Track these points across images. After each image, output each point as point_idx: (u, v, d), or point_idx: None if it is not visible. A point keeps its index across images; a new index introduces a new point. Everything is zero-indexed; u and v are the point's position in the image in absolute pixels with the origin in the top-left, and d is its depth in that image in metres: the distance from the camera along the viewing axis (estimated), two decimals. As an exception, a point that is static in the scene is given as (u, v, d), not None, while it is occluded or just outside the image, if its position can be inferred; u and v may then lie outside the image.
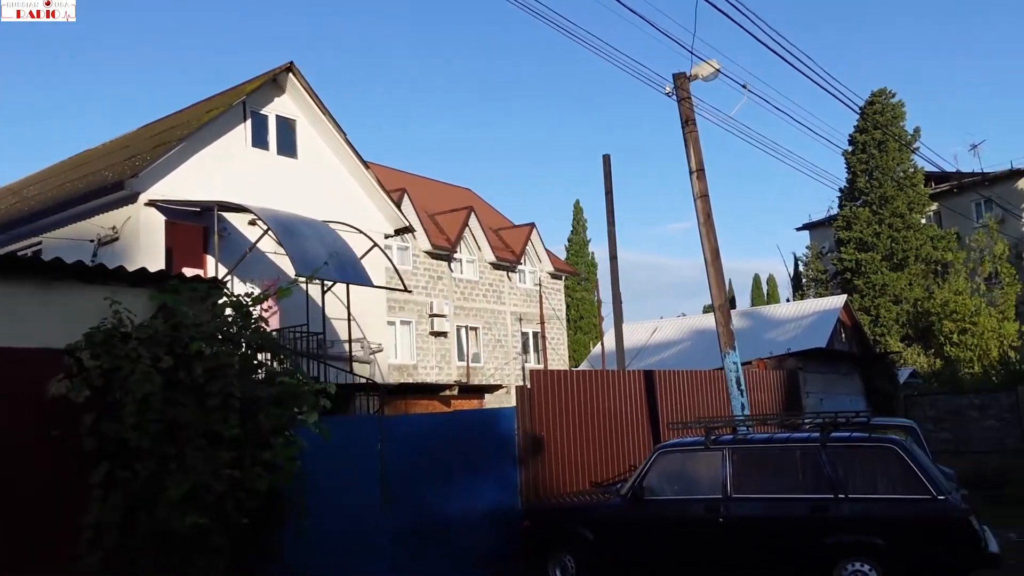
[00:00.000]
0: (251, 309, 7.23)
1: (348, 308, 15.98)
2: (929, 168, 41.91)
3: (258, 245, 15.72)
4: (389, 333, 28.12)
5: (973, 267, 40.10)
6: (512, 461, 10.23)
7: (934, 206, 44.07)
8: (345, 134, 18.88)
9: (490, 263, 31.92)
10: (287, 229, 13.28)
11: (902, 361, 37.76)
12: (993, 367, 27.05)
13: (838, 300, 33.33)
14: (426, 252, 29.33)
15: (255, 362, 7.27)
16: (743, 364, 16.56)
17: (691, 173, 10.69)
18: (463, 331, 30.88)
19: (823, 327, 29.61)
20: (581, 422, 11.01)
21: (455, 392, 15.85)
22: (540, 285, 32.64)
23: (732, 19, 10.49)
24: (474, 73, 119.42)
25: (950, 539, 7.38)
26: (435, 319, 29.03)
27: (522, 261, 33.56)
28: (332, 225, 16.51)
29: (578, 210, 49.09)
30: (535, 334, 33.42)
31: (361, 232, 16.65)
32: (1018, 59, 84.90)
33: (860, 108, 44.70)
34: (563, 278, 35.98)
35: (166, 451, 6.33)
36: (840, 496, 7.64)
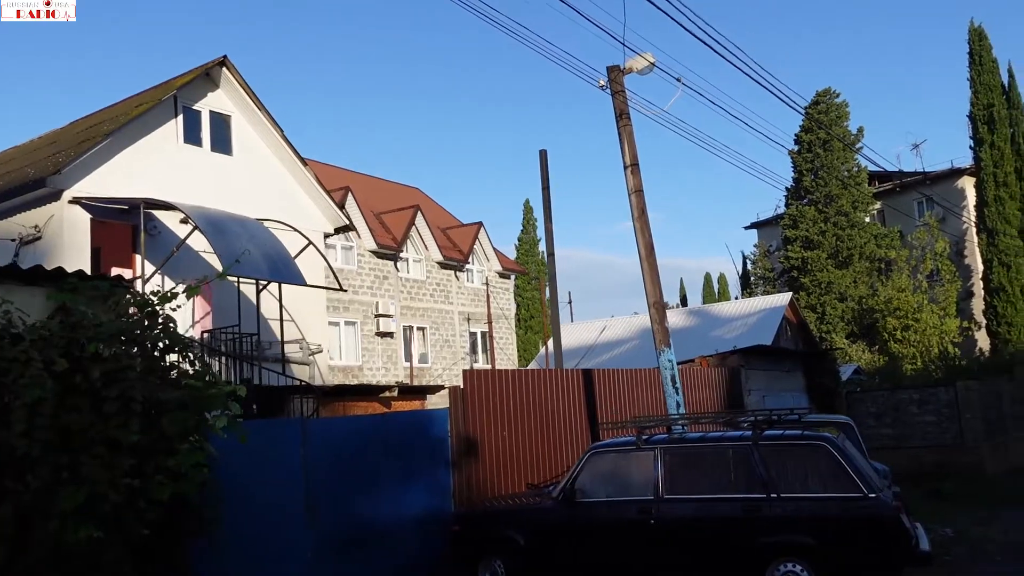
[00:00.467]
0: (157, 308, 6.83)
1: (281, 307, 15.56)
2: (873, 168, 42.64)
3: (191, 244, 15.22)
4: (333, 334, 27.64)
5: (915, 265, 40.82)
6: (445, 464, 9.95)
7: (878, 205, 44.81)
8: (282, 130, 18.42)
9: (437, 262, 31.58)
10: (216, 227, 12.84)
11: (847, 358, 38.30)
12: (933, 362, 27.49)
13: (783, 298, 33.65)
14: (371, 251, 28.89)
15: (163, 364, 6.89)
16: (687, 362, 16.55)
17: (625, 168, 10.51)
18: (410, 331, 30.49)
19: (769, 325, 29.83)
20: (518, 423, 10.78)
21: (395, 394, 15.51)
22: (487, 284, 32.38)
23: (669, 16, 10.34)
24: (425, 73, 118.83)
25: (880, 537, 7.29)
26: (381, 319, 28.61)
27: (470, 260, 33.27)
28: (268, 223, 16.07)
29: (528, 209, 48.97)
30: (483, 334, 33.15)
31: (295, 230, 16.23)
32: (957, 61, 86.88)
33: (805, 108, 45.18)
34: (512, 277, 35.75)
35: (59, 460, 5.94)
36: (772, 496, 7.51)
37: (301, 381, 13.93)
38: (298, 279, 14.43)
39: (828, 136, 43.36)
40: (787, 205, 45.17)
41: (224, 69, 17.45)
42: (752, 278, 49.00)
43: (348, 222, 19.95)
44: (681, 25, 10.02)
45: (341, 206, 28.00)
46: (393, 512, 9.40)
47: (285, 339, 18.30)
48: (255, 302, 17.48)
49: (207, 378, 6.77)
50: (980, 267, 40.06)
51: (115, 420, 6.12)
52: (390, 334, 29.13)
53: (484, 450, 10.26)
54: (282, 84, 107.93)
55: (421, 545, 9.48)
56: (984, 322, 39.22)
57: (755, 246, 49.06)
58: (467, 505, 9.57)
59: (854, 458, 7.57)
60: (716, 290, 70.78)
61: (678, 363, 16.44)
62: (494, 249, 34.53)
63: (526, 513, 8.90)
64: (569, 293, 48.22)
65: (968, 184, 43.00)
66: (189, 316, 15.23)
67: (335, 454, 8.86)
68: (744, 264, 51.04)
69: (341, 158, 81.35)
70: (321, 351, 19.11)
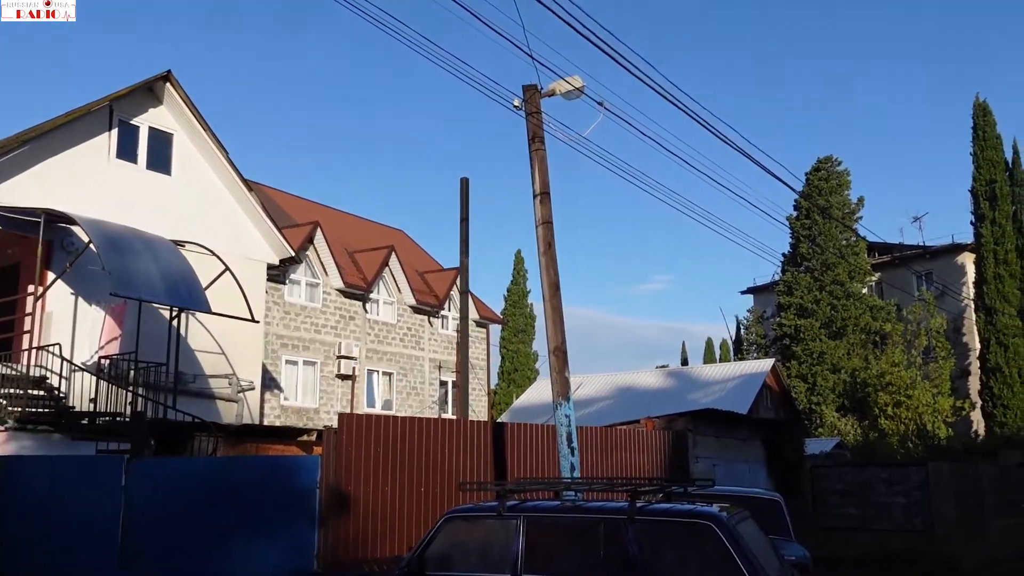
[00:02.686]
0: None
1: (177, 335, 14.36)
2: (873, 238, 41.66)
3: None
4: (290, 373, 26.55)
5: (910, 340, 39.51)
6: (310, 519, 8.74)
7: (875, 276, 43.67)
8: (227, 152, 17.58)
9: (410, 306, 30.54)
10: (112, 243, 11.87)
11: (836, 431, 36.79)
12: (911, 440, 26.05)
13: (765, 364, 32.37)
14: (338, 290, 27.89)
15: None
16: (632, 422, 15.32)
17: (535, 196, 9.49)
18: (375, 375, 29.33)
19: (748, 390, 28.53)
20: (406, 476, 9.58)
21: (314, 437, 14.29)
22: (459, 332, 31.19)
23: (659, 91, 9.49)
24: (435, 130, 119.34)
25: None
26: (343, 361, 27.47)
27: (446, 306, 32.22)
28: (192, 247, 15.07)
29: (519, 260, 48.09)
30: (454, 383, 31.89)
31: (213, 254, 15.19)
32: (961, 136, 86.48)
33: (806, 174, 44.62)
34: (489, 327, 34.61)
35: None
36: (643, 583, 6.30)
37: (195, 417, 12.75)
38: (201, 306, 13.38)
39: (827, 203, 42.51)
40: (783, 271, 44.15)
41: (167, 84, 16.70)
42: (745, 344, 47.69)
43: (294, 253, 18.98)
44: (676, 103, 9.24)
45: (309, 240, 27.40)
46: (239, 570, 8.18)
47: (214, 373, 17.24)
48: (183, 331, 16.45)
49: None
50: (978, 345, 38.72)
51: None
52: (352, 377, 27.97)
53: (360, 505, 9.04)
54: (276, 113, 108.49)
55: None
56: (979, 402, 37.75)
57: (749, 311, 47.88)
58: (309, 571, 8.31)
59: (745, 543, 6.34)
60: (717, 355, 69.23)
61: (626, 423, 15.29)
62: (472, 296, 33.45)
63: (372, 585, 7.66)
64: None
65: (968, 260, 41.90)
66: (97, 339, 14.20)
67: (169, 499, 7.70)
68: (738, 329, 49.81)
69: (351, 203, 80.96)
70: (253, 388, 17.99)
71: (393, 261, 29.87)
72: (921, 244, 45.17)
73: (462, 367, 14.09)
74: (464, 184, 13.85)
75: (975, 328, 38.82)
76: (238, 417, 17.22)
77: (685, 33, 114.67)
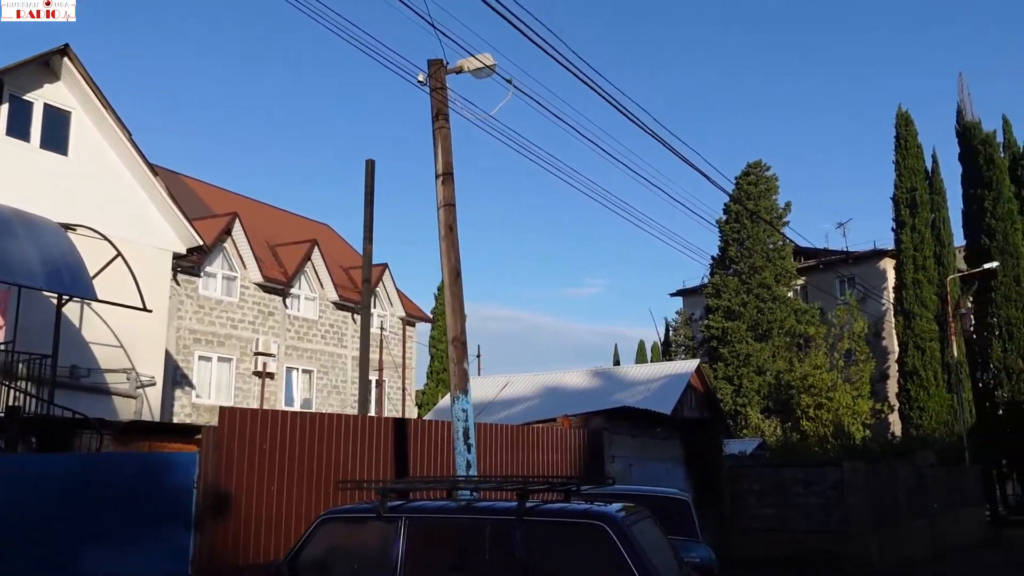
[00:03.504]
0: None
1: (58, 324, 13.34)
2: (804, 243, 42.28)
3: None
4: (204, 370, 25.50)
5: (833, 343, 40.19)
6: (185, 521, 8.07)
7: (801, 280, 44.33)
8: (130, 133, 16.64)
9: (333, 302, 29.70)
10: (-14, 223, 10.92)
11: (760, 432, 37.13)
12: (829, 441, 26.31)
13: (690, 365, 32.45)
14: (257, 284, 26.92)
15: None
16: (549, 421, 14.92)
17: (437, 177, 9.00)
18: (295, 373, 28.44)
19: (672, 391, 28.49)
20: (295, 476, 8.97)
21: (214, 435, 13.48)
22: (383, 329, 30.54)
23: (595, 88, 9.08)
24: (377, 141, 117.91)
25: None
26: (261, 358, 26.51)
27: (371, 303, 31.44)
28: (82, 231, 14.14)
29: (450, 258, 47.34)
30: (378, 381, 31.15)
31: (105, 239, 14.29)
32: (886, 145, 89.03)
33: (735, 178, 45.05)
34: (416, 324, 33.96)
35: None
36: (532, 587, 5.86)
37: (76, 413, 11.88)
38: (85, 292, 12.52)
39: (755, 208, 42.95)
40: (712, 274, 44.45)
41: (66, 59, 15.71)
42: (673, 346, 47.94)
43: (203, 243, 18.07)
44: (611, 102, 8.86)
45: (227, 232, 26.37)
46: (102, 577, 7.48)
47: (111, 367, 16.29)
48: (76, 322, 15.49)
49: None
50: (896, 349, 39.54)
51: None
52: (270, 374, 27.03)
53: (242, 506, 8.41)
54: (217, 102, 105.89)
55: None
56: (897, 405, 38.55)
57: (677, 313, 48.15)
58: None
59: (639, 544, 5.94)
60: (649, 358, 69.63)
61: (542, 422, 14.88)
62: (399, 293, 32.80)
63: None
64: (479, 347, 46.56)
65: (889, 265, 42.81)
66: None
67: (31, 500, 6.98)
68: (667, 331, 50.02)
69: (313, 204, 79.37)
70: (154, 383, 17.06)
71: (316, 255, 29.02)
72: (845, 250, 46.04)
73: (361, 361, 13.49)
74: (369, 166, 13.26)
75: (894, 332, 39.63)
76: (137, 414, 16.30)
77: (616, 41, 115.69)
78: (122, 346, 16.34)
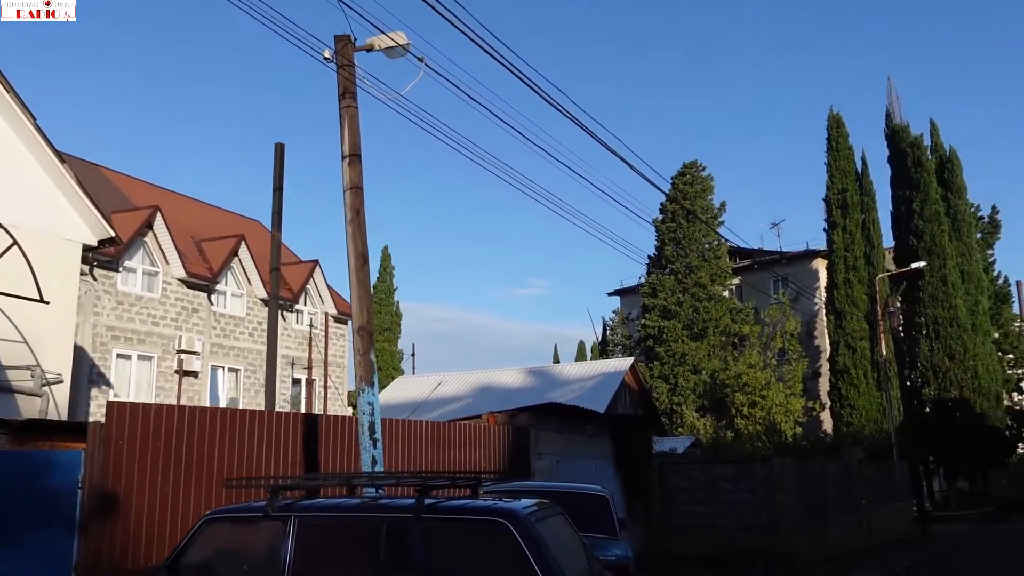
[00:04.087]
0: None
1: None
2: (741, 243, 42.67)
3: None
4: (123, 368, 24.50)
5: (766, 342, 40.64)
6: (68, 524, 7.48)
7: (736, 280, 44.76)
8: (34, 118, 15.73)
9: (261, 299, 28.84)
10: None
11: (696, 431, 37.29)
12: (760, 438, 26.49)
13: (624, 363, 32.42)
14: (180, 280, 25.99)
15: None
16: (475, 417, 14.54)
17: (343, 158, 8.55)
18: (220, 372, 27.52)
19: (607, 389, 28.37)
20: (195, 474, 8.43)
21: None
22: (311, 327, 29.81)
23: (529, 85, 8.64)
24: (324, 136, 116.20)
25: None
26: (184, 356, 25.57)
27: (301, 300, 30.71)
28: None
29: (386, 257, 46.84)
30: (308, 380, 30.39)
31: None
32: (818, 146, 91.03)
33: (671, 178, 45.28)
34: (349, 322, 33.23)
35: None
36: (430, 590, 5.46)
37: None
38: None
39: (691, 207, 43.20)
40: (648, 273, 44.58)
41: (-38, 38, 14.70)
42: (610, 345, 47.99)
43: (114, 235, 17.20)
44: (547, 98, 8.47)
45: (148, 225, 25.38)
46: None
47: (12, 364, 15.37)
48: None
49: None
50: (828, 348, 40.15)
51: None
52: (194, 373, 26.11)
53: (132, 508, 7.84)
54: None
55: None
56: (829, 403, 39.13)
57: (615, 312, 48.22)
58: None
59: (547, 544, 5.58)
60: (588, 357, 69.75)
61: (467, 419, 14.49)
62: (330, 291, 32.10)
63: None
64: (413, 345, 46.06)
65: (821, 265, 43.49)
66: None
67: None
68: (604, 331, 50.07)
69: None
70: (61, 381, 16.15)
71: (243, 251, 28.16)
72: (779, 250, 46.65)
73: (268, 353, 12.94)
74: (279, 151, 12.71)
75: (826, 331, 40.24)
76: (42, 413, 15.42)
77: (552, 43, 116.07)
78: (26, 341, 15.44)
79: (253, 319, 28.79)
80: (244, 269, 28.36)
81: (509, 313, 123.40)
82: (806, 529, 17.62)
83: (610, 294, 51.72)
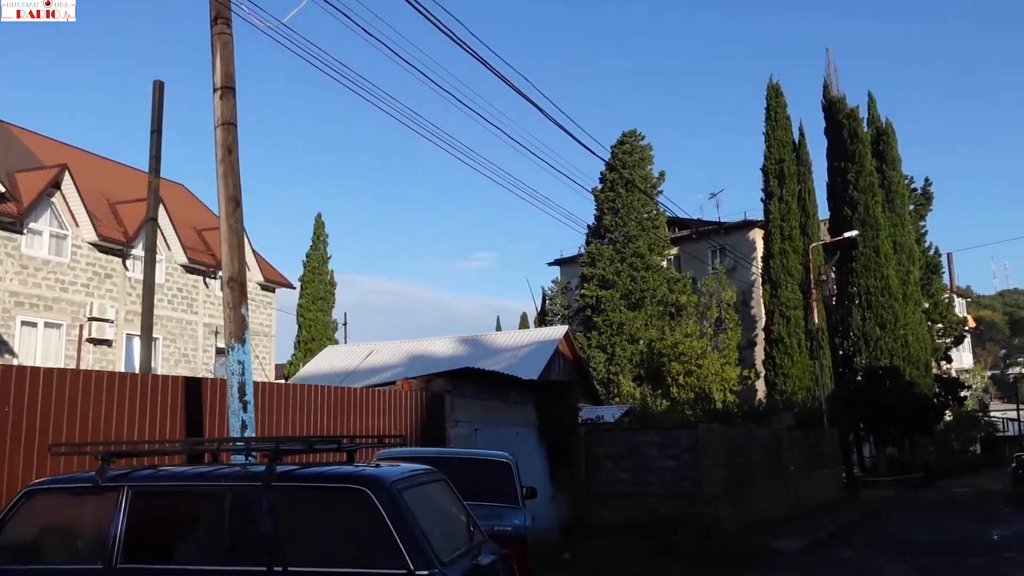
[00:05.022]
0: None
1: None
2: (681, 213, 42.43)
3: None
4: (28, 336, 23.22)
5: (703, 311, 40.62)
6: None
7: (674, 250, 44.58)
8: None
9: (182, 265, 27.69)
10: None
11: (633, 400, 37.14)
12: (689, 406, 26.34)
13: (558, 331, 32.00)
14: (92, 244, 24.71)
15: None
16: (390, 384, 13.87)
17: (215, 91, 7.75)
18: (137, 341, 26.29)
19: (540, 357, 27.92)
20: (49, 444, 7.60)
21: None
22: (235, 293, 28.65)
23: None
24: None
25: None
26: (96, 324, 24.35)
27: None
28: None
29: (319, 224, 45.55)
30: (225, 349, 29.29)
31: None
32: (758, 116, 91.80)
33: (611, 147, 44.81)
34: (276, 290, 32.20)
35: None
36: (278, 570, 4.79)
37: None
38: None
39: (631, 177, 42.82)
40: (588, 243, 44.16)
41: None
42: (549, 315, 47.61)
43: (5, 190, 16.01)
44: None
45: (55, 186, 23.99)
46: None
47: None
48: None
49: None
50: (763, 317, 40.31)
51: None
52: (107, 342, 24.92)
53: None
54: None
55: None
56: (764, 372, 39.36)
57: (553, 282, 47.82)
58: None
59: (413, 513, 4.95)
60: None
61: (381, 385, 13.81)
62: (256, 256, 30.95)
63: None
64: (344, 315, 44.91)
65: (758, 236, 43.59)
66: None
67: None
68: (544, 301, 49.65)
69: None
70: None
71: (162, 214, 26.85)
72: (718, 220, 46.65)
73: (144, 314, 12.07)
74: (157, 88, 11.72)
75: (762, 301, 40.38)
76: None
77: (493, 14, 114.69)
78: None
79: (173, 286, 27.62)
80: (163, 234, 27.09)
81: (456, 286, 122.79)
82: (732, 495, 17.42)
83: (550, 264, 51.34)
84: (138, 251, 26.41)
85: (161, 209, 26.77)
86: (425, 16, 9.29)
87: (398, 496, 4.99)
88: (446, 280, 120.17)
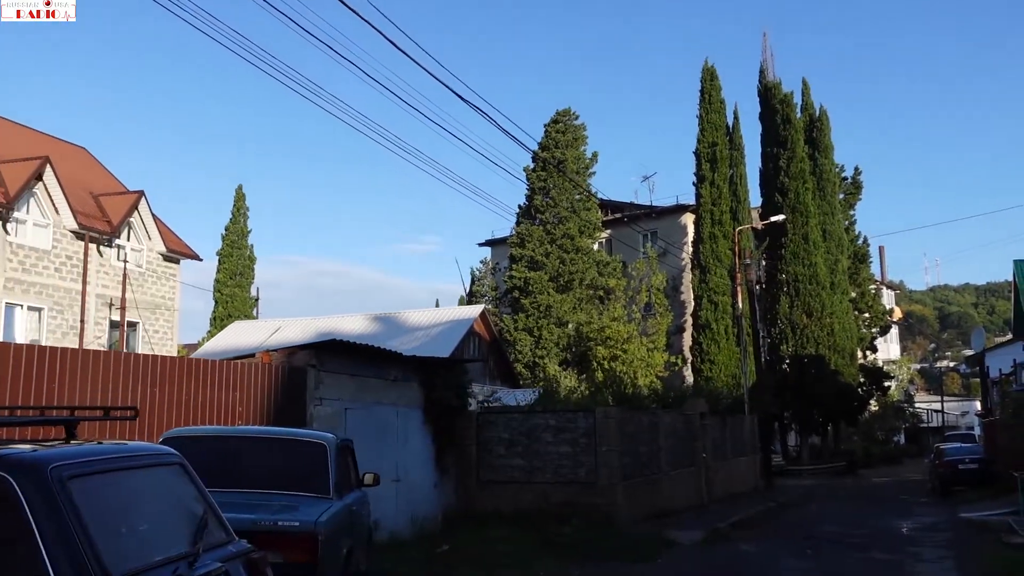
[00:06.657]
0: None
1: None
2: (613, 197, 41.59)
3: None
4: None
5: (632, 296, 39.91)
6: None
7: (606, 233, 43.79)
8: None
9: (71, 231, 25.83)
10: None
11: (558, 384, 36.23)
12: (599, 390, 25.54)
13: (473, 310, 30.98)
14: (-36, 204, 22.76)
15: None
16: (248, 356, 12.58)
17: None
18: (17, 311, 24.51)
19: (453, 336, 26.84)
20: None
21: None
22: (126, 263, 26.95)
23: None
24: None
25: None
26: (-32, 291, 22.52)
27: (124, 234, 27.79)
28: None
29: (240, 197, 43.69)
30: (131, 323, 27.60)
31: None
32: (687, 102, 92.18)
33: (544, 125, 43.75)
34: (180, 261, 30.45)
35: None
36: None
37: None
38: None
39: (563, 157, 41.82)
40: (518, 223, 43.10)
41: None
42: (476, 296, 46.48)
43: None
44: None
45: (-77, 140, 22.09)
46: None
47: None
48: None
49: None
50: (692, 303, 39.78)
51: None
52: (-19, 311, 23.10)
53: None
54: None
55: None
56: (691, 358, 38.84)
57: (482, 262, 46.73)
58: None
59: (81, 512, 3.72)
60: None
61: (240, 357, 12.50)
62: (160, 225, 29.22)
63: None
64: (257, 289, 43.19)
65: (690, 220, 43.04)
66: None
67: None
68: (473, 282, 48.49)
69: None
70: None
71: (49, 175, 25.01)
72: (649, 204, 45.99)
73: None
74: None
75: (691, 286, 39.84)
76: None
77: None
78: None
79: (61, 253, 25.77)
80: (51, 196, 25.27)
81: (400, 269, 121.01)
82: (631, 484, 16.52)
83: (481, 245, 50.25)
84: (21, 214, 24.58)
85: (49, 171, 25.04)
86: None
87: (58, 488, 3.70)
88: (391, 263, 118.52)
